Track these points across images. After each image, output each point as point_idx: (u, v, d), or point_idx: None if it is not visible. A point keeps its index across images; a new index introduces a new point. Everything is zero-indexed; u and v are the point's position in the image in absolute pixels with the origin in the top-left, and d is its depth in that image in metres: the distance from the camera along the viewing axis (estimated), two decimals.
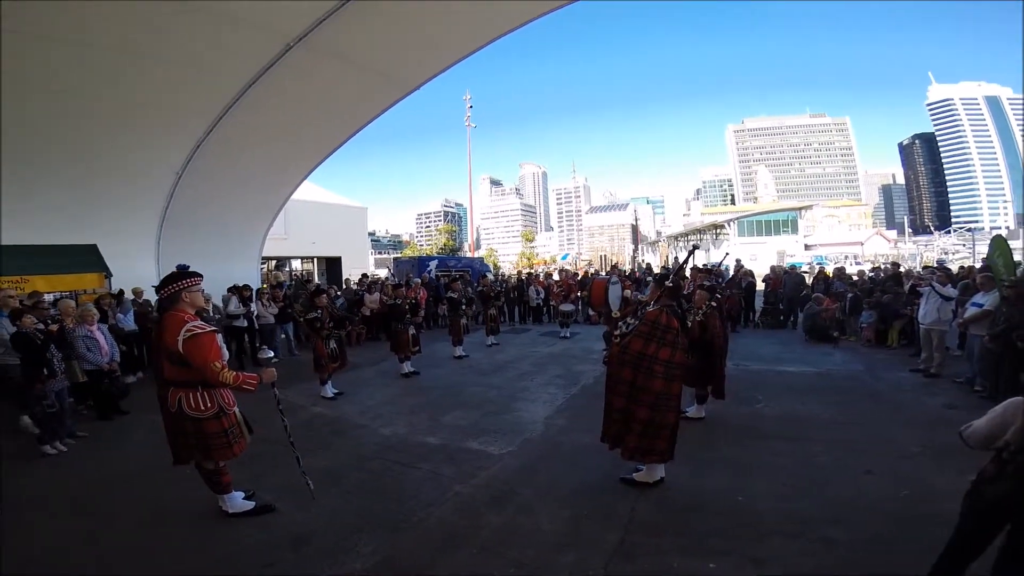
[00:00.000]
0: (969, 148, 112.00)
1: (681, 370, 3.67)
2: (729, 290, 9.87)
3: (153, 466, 4.16)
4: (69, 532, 3.34)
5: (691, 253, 4.54)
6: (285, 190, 13.38)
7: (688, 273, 10.58)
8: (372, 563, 2.88)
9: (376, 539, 3.12)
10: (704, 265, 11.17)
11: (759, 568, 2.74)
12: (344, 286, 13.31)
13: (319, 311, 6.46)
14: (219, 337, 3.41)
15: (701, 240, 55.68)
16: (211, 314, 7.92)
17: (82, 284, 8.86)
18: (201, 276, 3.44)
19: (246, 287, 8.98)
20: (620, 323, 3.77)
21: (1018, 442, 2.12)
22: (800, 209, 60.05)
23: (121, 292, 8.55)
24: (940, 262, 17.79)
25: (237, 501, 3.49)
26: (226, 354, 3.45)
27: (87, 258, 9.01)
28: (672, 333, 3.59)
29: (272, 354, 3.61)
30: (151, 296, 7.72)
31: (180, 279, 3.31)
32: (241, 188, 11.97)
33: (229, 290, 9.05)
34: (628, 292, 8.09)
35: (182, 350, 3.09)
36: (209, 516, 3.45)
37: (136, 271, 9.87)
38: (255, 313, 8.94)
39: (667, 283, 3.73)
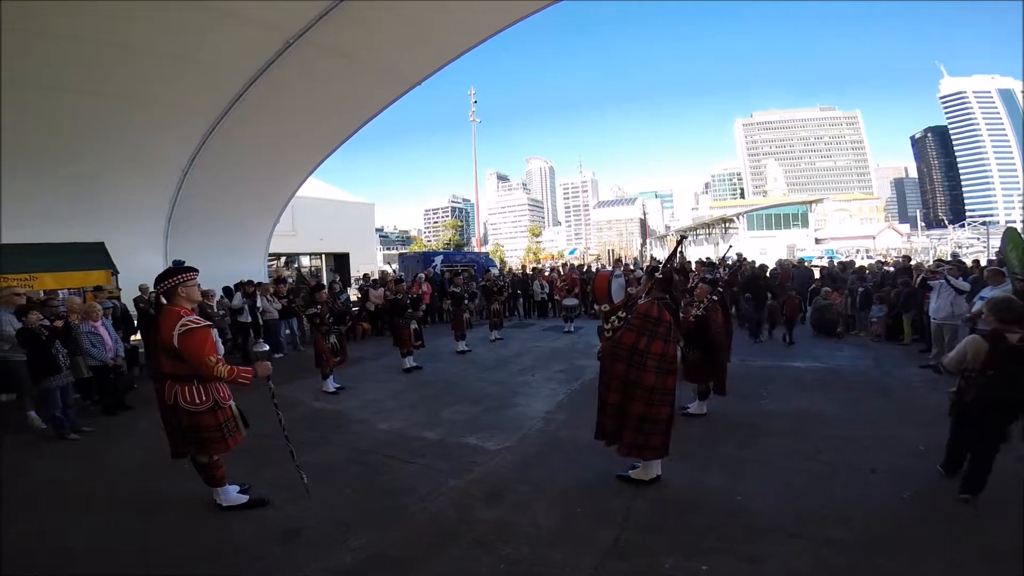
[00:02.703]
0: (983, 141, 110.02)
1: (675, 364, 3.60)
2: (732, 284, 9.76)
3: (153, 460, 4.19)
4: (65, 524, 3.38)
5: (679, 244, 4.47)
6: (290, 186, 13.44)
7: (693, 266, 10.56)
8: (361, 557, 2.87)
9: (367, 534, 3.11)
10: (707, 259, 11.04)
11: (754, 568, 2.69)
12: (362, 281, 13.27)
13: (319, 306, 6.47)
14: (215, 332, 3.41)
15: (710, 234, 55.27)
16: (215, 309, 7.95)
17: (89, 281, 8.93)
18: (197, 271, 3.46)
19: (249, 282, 9.01)
20: (612, 317, 3.70)
21: (974, 364, 3.37)
22: (810, 203, 59.40)
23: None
24: (954, 255, 17.53)
25: (231, 494, 3.51)
26: (221, 349, 3.46)
27: (94, 255, 9.08)
28: (664, 326, 3.52)
29: (267, 347, 3.60)
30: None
31: (176, 274, 3.33)
32: (246, 184, 12.03)
33: (234, 286, 9.09)
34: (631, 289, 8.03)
35: (177, 344, 3.10)
36: (203, 509, 3.46)
37: (143, 268, 9.94)
38: (259, 308, 8.97)
39: (657, 275, 3.65)
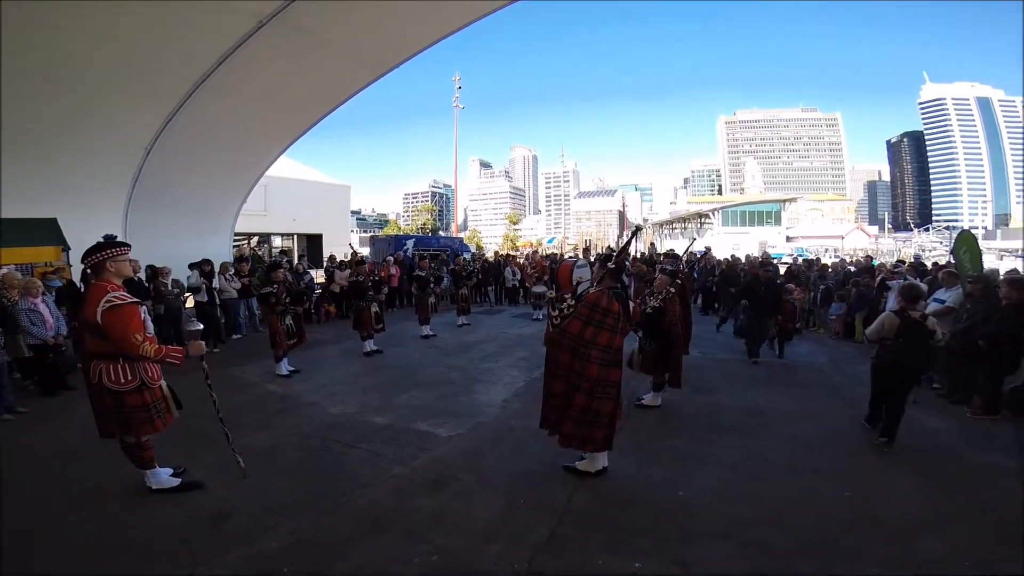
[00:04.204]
0: (956, 148, 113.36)
1: (620, 356, 3.55)
2: (702, 277, 9.80)
3: (89, 442, 3.95)
4: None
5: (634, 234, 4.43)
6: (259, 167, 13.15)
7: (661, 259, 10.60)
8: (287, 543, 2.78)
9: (299, 519, 3.02)
10: (671, 251, 11.05)
11: (683, 571, 2.65)
12: (329, 263, 13.00)
13: (275, 286, 6.28)
14: (144, 309, 3.25)
15: (686, 228, 55.94)
16: (168, 287, 7.68)
17: (39, 257, 8.58)
18: (128, 246, 3.28)
19: (206, 261, 8.72)
20: (562, 304, 3.63)
21: (888, 334, 4.30)
22: (784, 201, 60.54)
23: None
24: (916, 257, 18.07)
25: (162, 477, 3.38)
26: (151, 327, 3.30)
27: (44, 231, 8.70)
28: (612, 317, 3.45)
29: (200, 326, 3.45)
30: None
31: (105, 248, 3.15)
32: (213, 164, 11.72)
33: (190, 266, 8.79)
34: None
35: (100, 321, 2.94)
36: (134, 494, 3.32)
37: None
38: (217, 288, 8.70)
39: (609, 264, 3.57)
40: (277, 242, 28.77)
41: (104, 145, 9.47)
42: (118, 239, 3.31)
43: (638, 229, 4.86)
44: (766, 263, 9.12)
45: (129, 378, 3.09)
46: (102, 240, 3.26)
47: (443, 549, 2.76)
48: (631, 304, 3.80)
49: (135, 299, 3.14)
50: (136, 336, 2.96)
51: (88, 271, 3.22)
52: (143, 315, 3.19)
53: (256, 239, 25.56)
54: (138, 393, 3.12)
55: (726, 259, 13.27)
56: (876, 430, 4.43)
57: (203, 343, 3.33)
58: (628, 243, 4.26)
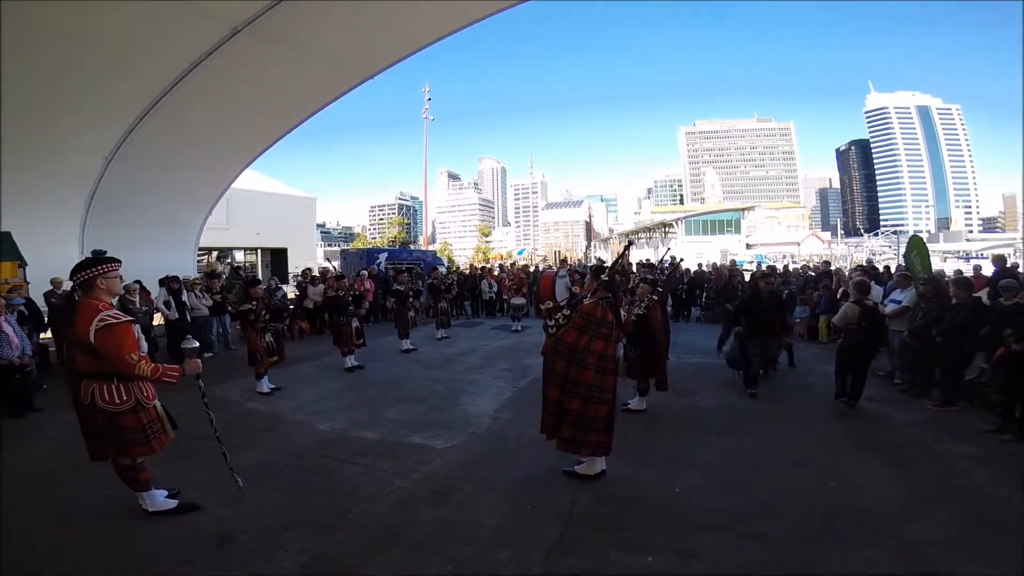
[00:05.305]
0: (899, 155, 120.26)
1: (614, 363, 3.70)
2: (673, 285, 10.05)
3: (67, 464, 3.87)
4: None
5: (627, 248, 4.62)
6: (225, 178, 12.84)
7: (635, 268, 10.89)
8: (301, 562, 2.76)
9: (307, 537, 2.99)
10: (646, 260, 11.32)
11: (692, 562, 2.79)
12: (301, 277, 12.77)
13: (254, 302, 6.18)
14: (137, 328, 3.18)
15: (651, 238, 57.26)
16: (136, 305, 7.43)
17: None
18: (119, 262, 3.21)
19: (174, 279, 8.47)
20: (556, 315, 3.77)
21: (851, 320, 5.40)
22: (743, 210, 62.74)
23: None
24: (868, 261, 19.07)
25: (158, 499, 3.28)
26: (145, 346, 3.22)
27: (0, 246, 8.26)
28: (607, 326, 3.62)
29: (196, 344, 3.40)
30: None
31: (95, 264, 3.08)
32: (178, 174, 11.38)
33: (159, 282, 8.53)
34: (576, 289, 8.16)
35: (94, 341, 2.87)
36: (126, 516, 3.22)
37: (56, 260, 9.12)
38: (187, 305, 8.46)
39: (603, 276, 3.75)
40: (240, 256, 27.97)
41: (61, 153, 9.10)
42: (107, 254, 3.23)
43: (630, 244, 5.06)
44: (766, 274, 7.95)
45: (124, 398, 3.01)
46: (91, 255, 3.18)
47: (456, 559, 2.80)
48: (623, 314, 3.96)
49: (129, 317, 3.07)
50: (132, 355, 2.90)
51: (77, 288, 3.12)
52: (136, 334, 3.12)
53: (215, 254, 24.82)
54: (133, 413, 3.03)
55: (694, 268, 13.77)
56: (844, 399, 5.47)
57: (199, 361, 3.28)
58: (621, 256, 4.43)
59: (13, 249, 8.36)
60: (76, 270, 3.09)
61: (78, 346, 2.98)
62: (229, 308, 8.37)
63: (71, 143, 9.07)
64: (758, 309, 6.25)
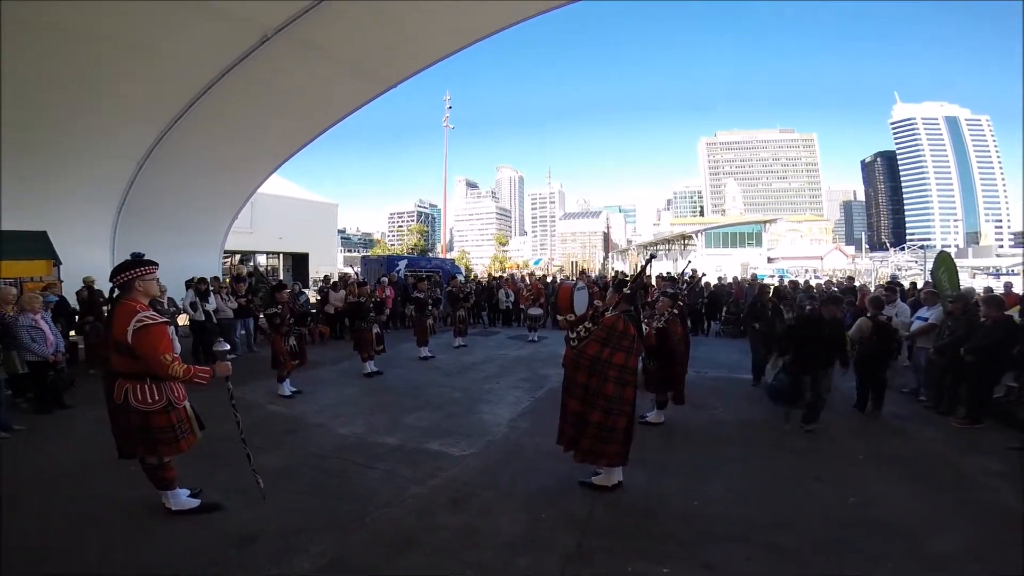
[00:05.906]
0: (926, 167, 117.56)
1: (634, 376, 3.70)
2: (693, 299, 9.94)
3: (95, 461, 3.99)
4: None
5: (648, 262, 4.62)
6: (252, 183, 13.12)
7: (653, 281, 10.83)
8: (321, 564, 2.80)
9: (326, 539, 3.04)
10: (667, 273, 11.23)
11: (710, 573, 2.78)
12: (323, 283, 12.99)
13: (279, 307, 6.31)
14: (171, 329, 3.29)
15: (670, 250, 56.78)
16: (165, 306, 7.62)
17: (29, 272, 8.44)
18: (156, 265, 3.32)
19: (202, 280, 8.68)
20: (578, 327, 3.79)
21: (866, 334, 5.78)
22: (765, 223, 61.83)
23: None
24: (893, 277, 18.70)
25: (181, 498, 3.36)
26: (178, 347, 3.32)
27: (35, 245, 8.60)
28: (628, 339, 3.63)
29: (227, 347, 3.49)
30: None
31: (134, 267, 3.19)
32: (206, 179, 11.69)
33: (186, 283, 8.74)
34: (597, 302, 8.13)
35: (131, 341, 2.97)
36: (150, 514, 3.30)
37: (88, 260, 9.45)
38: (214, 307, 8.65)
39: (625, 289, 3.77)
40: (262, 260, 28.41)
41: (95, 156, 9.43)
42: (145, 257, 3.34)
43: (652, 257, 5.05)
44: (836, 298, 6.33)
45: (157, 398, 3.10)
46: (130, 258, 3.30)
47: (474, 564, 2.82)
48: (644, 327, 3.97)
49: (165, 319, 3.18)
50: (166, 356, 2.99)
51: (116, 289, 3.24)
52: (171, 335, 3.22)
53: (238, 257, 25.29)
54: (165, 413, 3.13)
55: (714, 282, 13.60)
56: (865, 411, 5.83)
57: (230, 364, 3.36)
58: (643, 270, 4.44)
59: (48, 248, 8.69)
60: (116, 272, 3.19)
61: (114, 346, 3.08)
62: (256, 311, 8.52)
63: (105, 147, 9.40)
64: (817, 338, 5.20)
